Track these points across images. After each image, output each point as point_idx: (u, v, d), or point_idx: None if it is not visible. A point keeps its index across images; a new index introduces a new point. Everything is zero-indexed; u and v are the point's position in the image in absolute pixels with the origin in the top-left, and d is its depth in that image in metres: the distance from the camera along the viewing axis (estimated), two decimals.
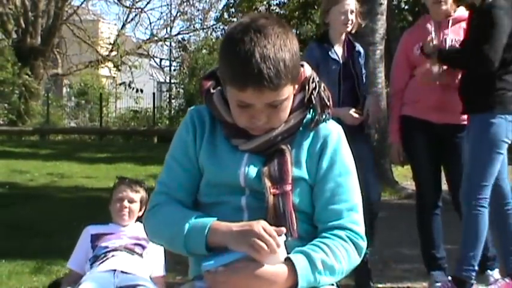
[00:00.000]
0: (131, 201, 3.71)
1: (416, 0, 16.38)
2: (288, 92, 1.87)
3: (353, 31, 4.33)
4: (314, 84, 1.97)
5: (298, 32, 21.58)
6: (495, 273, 4.13)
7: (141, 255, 3.59)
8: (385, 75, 8.27)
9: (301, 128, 1.96)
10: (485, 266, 4.14)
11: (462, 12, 4.23)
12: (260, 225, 1.78)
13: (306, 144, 1.95)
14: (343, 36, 4.30)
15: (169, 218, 1.93)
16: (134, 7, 24.61)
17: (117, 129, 21.40)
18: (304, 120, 1.97)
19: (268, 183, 1.89)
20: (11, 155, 12.53)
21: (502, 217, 4.00)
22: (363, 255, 1.94)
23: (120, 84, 23.56)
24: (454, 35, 4.15)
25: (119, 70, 23.04)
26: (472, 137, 3.89)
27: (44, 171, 10.50)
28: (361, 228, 1.93)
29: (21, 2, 21.45)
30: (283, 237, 1.81)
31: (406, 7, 17.08)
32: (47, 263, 4.89)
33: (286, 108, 1.90)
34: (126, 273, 3.45)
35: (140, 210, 3.75)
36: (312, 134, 1.96)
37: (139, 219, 3.74)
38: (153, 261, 3.64)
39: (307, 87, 1.96)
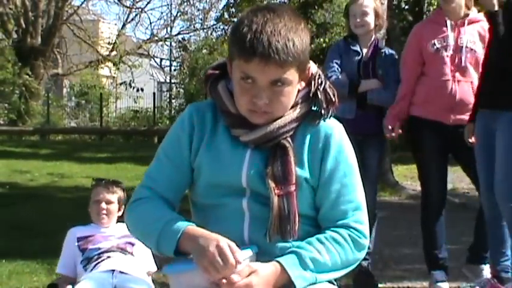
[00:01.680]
0: (108, 202, 3.72)
1: (416, 0, 16.38)
2: (293, 77, 1.88)
3: (377, 33, 4.39)
4: (320, 80, 1.98)
5: None
6: (486, 268, 4.14)
7: (132, 253, 3.60)
8: None
9: (303, 124, 1.95)
10: (479, 259, 4.16)
11: (476, 14, 4.16)
12: (216, 248, 1.76)
13: (307, 142, 1.94)
14: (369, 38, 4.33)
15: (148, 215, 1.92)
16: (134, 7, 24.63)
17: (118, 129, 21.41)
18: (307, 116, 1.96)
19: (272, 184, 1.88)
20: (11, 155, 12.53)
21: (495, 218, 3.97)
22: (365, 251, 1.96)
23: (121, 84, 23.57)
24: (470, 36, 4.09)
25: (117, 69, 23.04)
26: (509, 137, 3.72)
27: (44, 171, 10.50)
28: (364, 227, 1.95)
29: (21, 2, 21.44)
30: (249, 253, 1.82)
31: (407, 7, 17.07)
32: (47, 263, 4.88)
33: (288, 95, 1.89)
34: (124, 273, 3.45)
35: (119, 210, 3.75)
36: (312, 132, 1.95)
37: (120, 219, 3.75)
38: (143, 257, 3.64)
39: (312, 83, 1.97)
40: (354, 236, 1.92)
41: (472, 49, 4.08)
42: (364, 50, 4.31)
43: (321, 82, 1.97)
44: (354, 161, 1.99)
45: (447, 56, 4.07)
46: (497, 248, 3.99)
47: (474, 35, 4.11)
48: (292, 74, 1.87)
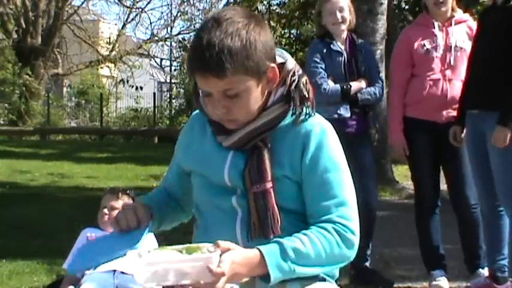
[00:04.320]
0: (112, 208, 3.75)
1: (416, 0, 16.35)
2: (244, 84, 1.85)
3: (348, 28, 4.33)
4: (295, 77, 1.95)
5: (298, 32, 21.55)
6: (486, 272, 4.14)
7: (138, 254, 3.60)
8: (385, 75, 8.27)
9: (284, 123, 1.93)
10: (476, 264, 4.16)
11: (461, 14, 4.23)
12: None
13: (287, 140, 1.93)
14: (344, 35, 4.31)
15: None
16: (135, 7, 24.60)
17: (118, 129, 21.41)
18: (289, 116, 1.93)
19: (248, 183, 1.91)
20: (11, 155, 12.53)
21: (493, 218, 3.98)
22: (354, 249, 1.90)
23: (120, 81, 23.54)
24: (458, 36, 4.14)
25: (115, 65, 23.04)
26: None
27: (45, 171, 10.50)
28: (352, 223, 1.90)
29: (21, 2, 21.44)
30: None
31: (407, 7, 17.06)
32: (47, 262, 4.89)
33: (246, 101, 1.88)
34: (125, 273, 3.46)
35: None
36: (293, 130, 1.93)
37: None
38: None
39: (287, 81, 1.94)
40: (340, 230, 1.87)
41: (461, 48, 4.12)
42: (343, 47, 4.29)
43: (295, 80, 1.94)
44: (339, 158, 1.94)
45: (437, 56, 4.11)
46: (495, 247, 4.00)
47: (463, 34, 4.16)
48: (240, 82, 1.84)
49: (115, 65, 23.15)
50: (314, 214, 1.92)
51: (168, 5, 31.06)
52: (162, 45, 26.51)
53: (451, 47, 4.11)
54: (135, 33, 60.00)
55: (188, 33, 26.34)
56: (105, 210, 3.75)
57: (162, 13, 37.30)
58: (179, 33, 26.38)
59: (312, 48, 4.33)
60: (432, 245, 4.22)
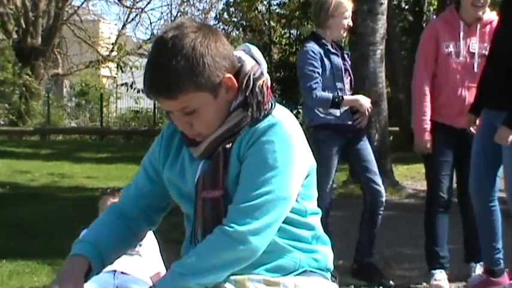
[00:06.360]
0: None
1: (416, 0, 16.37)
2: (200, 99, 1.82)
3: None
4: (250, 82, 1.89)
5: (298, 32, 21.56)
6: (478, 267, 4.16)
7: (139, 253, 3.60)
8: (385, 75, 8.27)
9: (246, 129, 1.88)
10: (471, 257, 4.22)
11: (489, 15, 4.16)
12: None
13: (242, 142, 1.88)
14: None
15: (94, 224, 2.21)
16: (135, 7, 24.62)
17: (118, 130, 21.43)
18: (249, 121, 1.89)
19: (200, 188, 1.90)
20: (11, 155, 12.53)
21: (486, 214, 4.00)
22: (249, 240, 1.79)
23: (122, 84, 23.59)
24: (481, 42, 4.12)
25: (123, 71, 23.09)
26: None
27: (45, 171, 10.50)
28: (240, 215, 1.81)
29: (21, 2, 21.45)
30: None
31: (407, 7, 17.08)
32: (47, 263, 4.89)
33: (206, 115, 1.86)
34: (126, 274, 3.46)
35: None
36: (249, 133, 1.88)
37: None
38: (150, 258, 3.64)
39: (243, 87, 1.89)
40: (224, 227, 1.80)
41: (484, 54, 4.07)
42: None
43: (249, 85, 1.89)
44: (280, 157, 1.83)
45: (458, 62, 4.10)
46: (489, 242, 4.01)
47: (487, 38, 4.11)
48: (194, 99, 1.82)
49: (119, 67, 23.11)
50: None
51: (168, 5, 31.11)
52: None
53: (473, 53, 4.10)
54: (135, 33, 60.09)
55: None
56: None
57: (162, 13, 37.44)
58: None
59: (309, 50, 4.21)
60: (437, 244, 4.22)
